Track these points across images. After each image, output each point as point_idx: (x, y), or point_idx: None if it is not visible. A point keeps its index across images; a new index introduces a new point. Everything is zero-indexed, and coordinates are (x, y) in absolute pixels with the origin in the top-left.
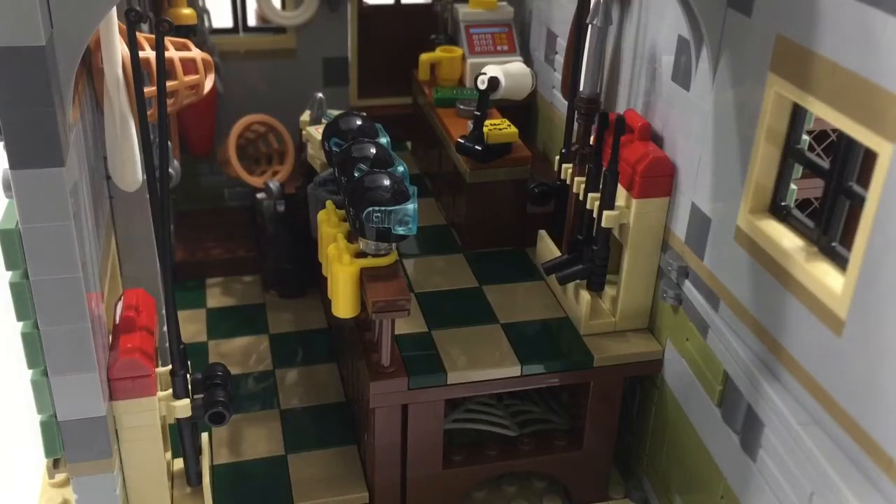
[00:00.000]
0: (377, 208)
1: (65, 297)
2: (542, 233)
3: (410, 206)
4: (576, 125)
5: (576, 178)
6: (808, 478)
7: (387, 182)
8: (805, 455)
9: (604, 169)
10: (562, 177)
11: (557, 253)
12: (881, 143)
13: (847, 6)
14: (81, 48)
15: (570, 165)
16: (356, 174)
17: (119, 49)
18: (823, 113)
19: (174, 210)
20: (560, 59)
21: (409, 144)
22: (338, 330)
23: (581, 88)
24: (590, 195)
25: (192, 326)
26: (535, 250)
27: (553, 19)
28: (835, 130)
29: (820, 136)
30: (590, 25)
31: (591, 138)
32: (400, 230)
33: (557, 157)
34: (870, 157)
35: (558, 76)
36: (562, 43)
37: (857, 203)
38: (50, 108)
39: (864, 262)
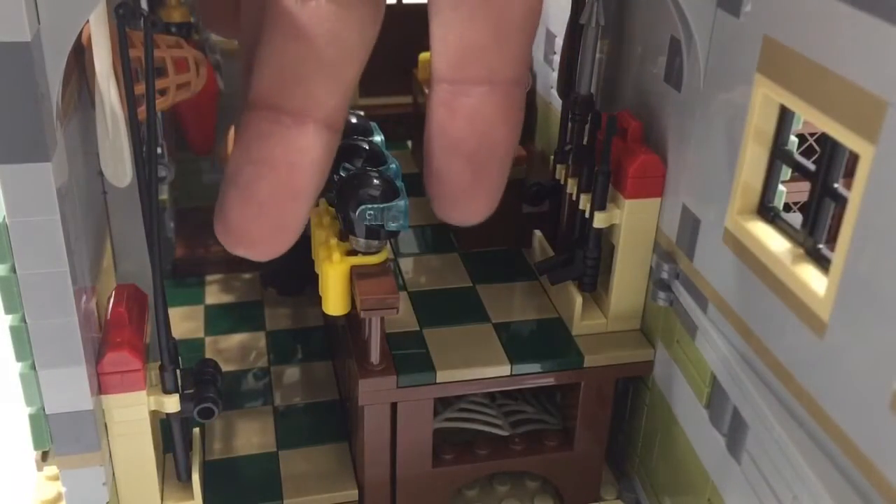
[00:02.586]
0: (370, 206)
1: (52, 291)
2: (537, 233)
3: (402, 203)
4: (570, 125)
5: (569, 179)
6: (790, 481)
7: (376, 180)
8: (787, 458)
9: (596, 169)
10: (556, 177)
11: (552, 253)
12: (863, 145)
13: (831, 7)
14: (69, 44)
15: (564, 166)
16: (342, 173)
17: (108, 45)
18: (808, 114)
19: (174, 207)
20: (558, 58)
21: (409, 144)
22: (332, 327)
23: (575, 88)
24: (582, 195)
25: (191, 323)
26: (531, 250)
27: (552, 19)
28: (813, 134)
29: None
30: (584, 25)
31: (585, 139)
32: (392, 226)
33: (552, 157)
34: (855, 159)
35: (556, 76)
36: (560, 43)
37: (843, 205)
38: (36, 104)
39: (846, 265)
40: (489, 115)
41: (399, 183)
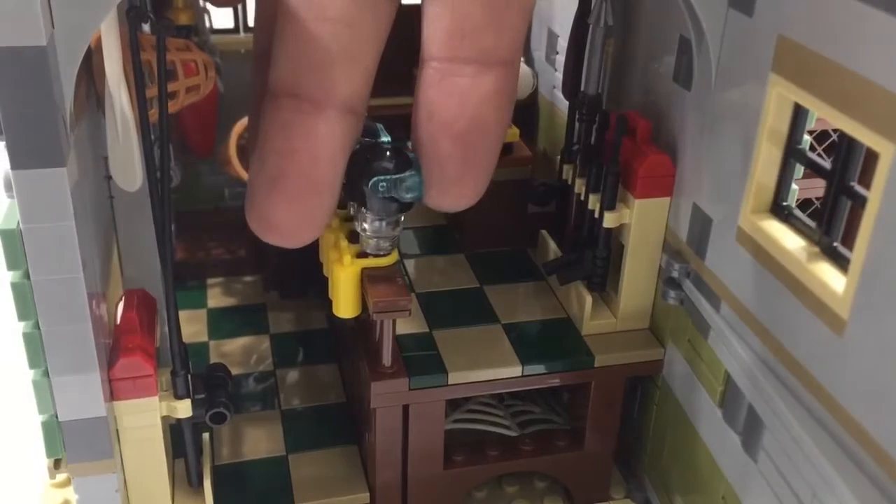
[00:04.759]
0: (383, 178)
1: (66, 297)
2: (544, 233)
3: (417, 173)
4: (577, 125)
5: (577, 179)
6: (810, 478)
7: (388, 151)
8: (806, 455)
9: (605, 169)
10: (563, 177)
11: (558, 253)
12: (883, 143)
13: (847, 6)
14: (83, 48)
15: (572, 166)
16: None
17: (119, 49)
18: (825, 113)
19: (175, 210)
20: (561, 58)
21: (409, 144)
22: (339, 330)
23: (583, 88)
24: (591, 195)
25: (193, 326)
26: (536, 250)
27: (554, 19)
28: (836, 130)
29: (821, 136)
30: (591, 25)
31: (592, 138)
32: (407, 197)
33: (559, 157)
34: (871, 157)
35: (559, 76)
36: (563, 43)
37: (859, 203)
38: (51, 109)
39: (865, 263)
40: (480, 96)
41: (412, 155)
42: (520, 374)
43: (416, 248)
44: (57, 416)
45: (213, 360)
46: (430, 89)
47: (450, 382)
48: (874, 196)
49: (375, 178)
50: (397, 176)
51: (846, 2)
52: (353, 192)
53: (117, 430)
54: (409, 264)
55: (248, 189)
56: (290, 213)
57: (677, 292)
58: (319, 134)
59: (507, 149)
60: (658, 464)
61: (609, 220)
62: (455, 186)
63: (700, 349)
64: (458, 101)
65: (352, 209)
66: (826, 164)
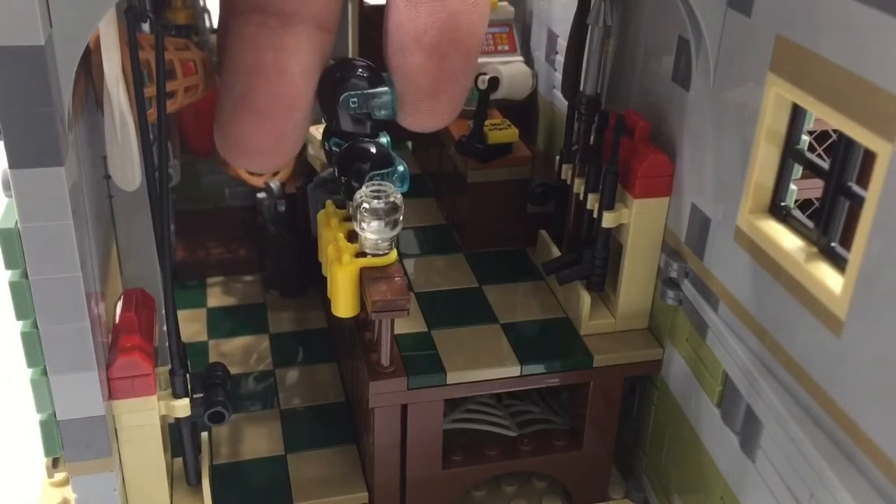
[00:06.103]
0: (354, 93)
1: (64, 296)
2: (543, 233)
3: (389, 91)
4: (576, 125)
5: (576, 179)
6: (808, 478)
7: (360, 68)
8: (804, 456)
9: (604, 169)
10: (562, 177)
11: (557, 253)
12: (880, 144)
13: (846, 7)
14: (81, 47)
15: (571, 166)
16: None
17: (118, 48)
18: (823, 113)
19: (174, 209)
20: (561, 58)
21: (409, 144)
22: (338, 329)
23: (581, 88)
24: (590, 195)
25: (193, 326)
26: (535, 250)
27: (554, 19)
28: (836, 131)
29: (821, 136)
30: (590, 25)
31: (591, 138)
32: (380, 115)
33: (558, 157)
34: (870, 157)
35: (559, 76)
36: (562, 43)
37: (857, 203)
38: (49, 108)
39: (863, 263)
40: (451, 3)
41: (385, 74)
42: (518, 374)
43: (415, 248)
44: (55, 415)
45: (213, 359)
46: (398, 1)
47: (448, 382)
48: (872, 196)
49: (346, 94)
50: (369, 91)
51: (844, 2)
52: (325, 110)
53: (116, 429)
54: (409, 264)
55: (216, 112)
56: (258, 132)
57: (676, 292)
58: (287, 48)
59: (506, 149)
60: (656, 464)
61: (608, 220)
62: (428, 100)
63: (698, 349)
64: (426, 9)
65: (350, 209)
66: (824, 164)
